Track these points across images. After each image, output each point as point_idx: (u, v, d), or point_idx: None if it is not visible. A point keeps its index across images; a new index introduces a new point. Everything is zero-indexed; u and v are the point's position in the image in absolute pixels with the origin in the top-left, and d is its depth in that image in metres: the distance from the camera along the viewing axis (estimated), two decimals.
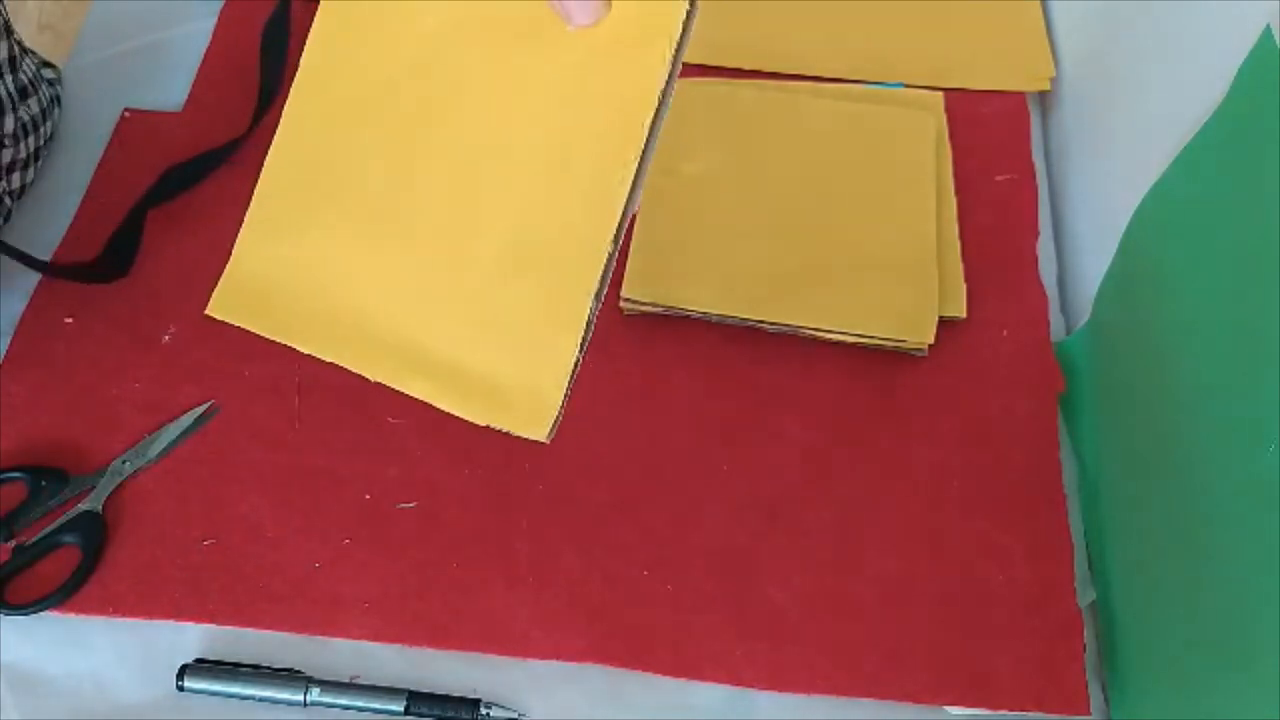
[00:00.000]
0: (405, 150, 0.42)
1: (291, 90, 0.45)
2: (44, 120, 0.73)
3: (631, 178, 0.39)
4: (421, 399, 0.41)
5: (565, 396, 0.41)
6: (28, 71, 0.72)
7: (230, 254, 0.47)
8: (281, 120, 0.45)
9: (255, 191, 0.45)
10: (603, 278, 0.40)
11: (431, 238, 0.41)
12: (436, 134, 0.42)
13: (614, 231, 0.39)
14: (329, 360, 0.42)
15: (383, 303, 0.41)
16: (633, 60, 0.40)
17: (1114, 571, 0.60)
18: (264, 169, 0.45)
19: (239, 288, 0.45)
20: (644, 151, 0.39)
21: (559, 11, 0.38)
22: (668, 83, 0.40)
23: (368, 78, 0.44)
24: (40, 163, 0.74)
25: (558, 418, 0.41)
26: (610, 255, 0.39)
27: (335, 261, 0.43)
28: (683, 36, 0.40)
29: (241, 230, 0.45)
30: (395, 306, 0.41)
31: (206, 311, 0.45)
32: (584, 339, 0.40)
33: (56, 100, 0.76)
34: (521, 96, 0.41)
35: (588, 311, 0.39)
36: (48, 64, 0.78)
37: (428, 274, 0.41)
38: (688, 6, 0.40)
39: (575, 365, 0.40)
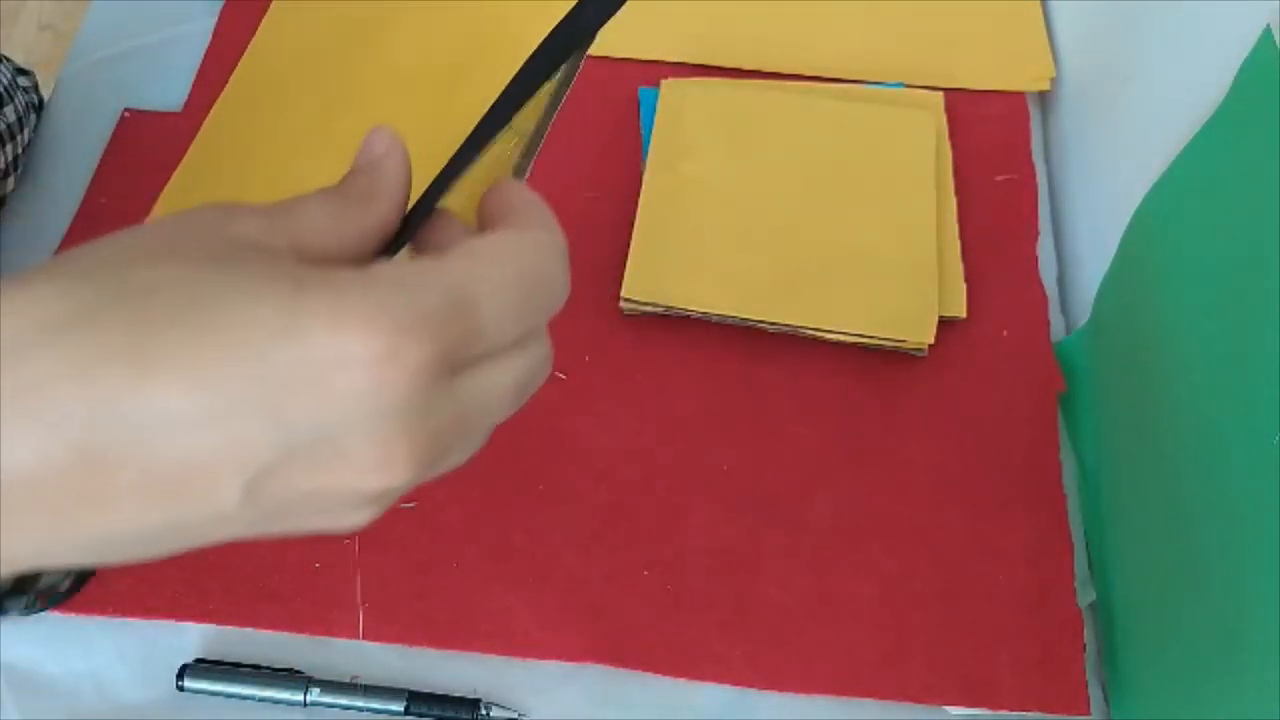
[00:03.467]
0: (330, 98, 0.42)
1: (243, 58, 0.46)
2: (21, 129, 0.73)
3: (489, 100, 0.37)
4: None
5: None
6: (3, 79, 0.72)
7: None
8: (230, 82, 0.46)
9: (191, 145, 0.45)
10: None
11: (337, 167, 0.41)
12: (359, 79, 0.42)
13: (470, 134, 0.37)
14: None
15: None
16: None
17: (1114, 571, 0.60)
18: (204, 125, 0.45)
19: (192, 184, 0.46)
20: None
21: None
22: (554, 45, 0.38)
23: (315, 39, 0.44)
24: (20, 171, 0.73)
25: None
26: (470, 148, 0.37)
27: (300, 167, 0.42)
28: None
29: (202, 128, 0.45)
30: None
31: (154, 210, 0.44)
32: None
33: (34, 107, 0.76)
34: (428, 41, 0.41)
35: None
36: (23, 70, 0.78)
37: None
38: None
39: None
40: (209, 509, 0.23)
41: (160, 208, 0.46)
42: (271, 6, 0.45)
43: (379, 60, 0.43)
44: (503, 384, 0.27)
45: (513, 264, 0.27)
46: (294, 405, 0.23)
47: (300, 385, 0.23)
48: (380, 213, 0.29)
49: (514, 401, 0.28)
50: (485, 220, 0.30)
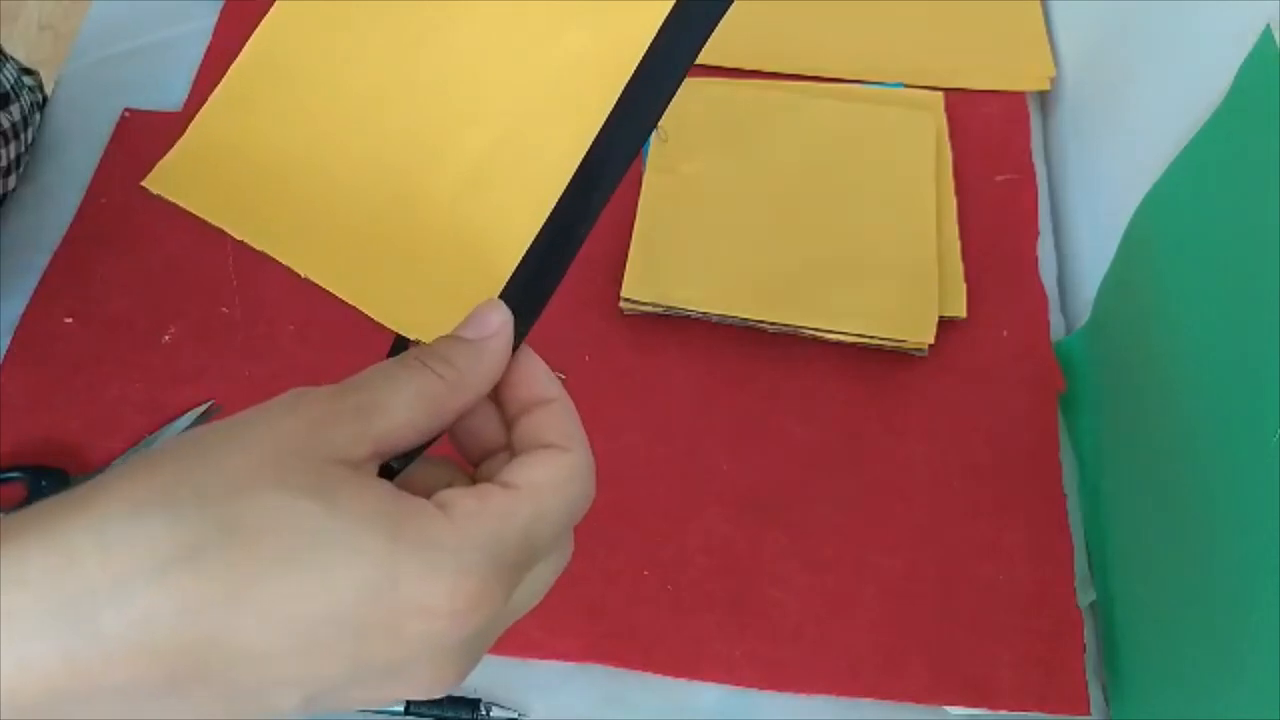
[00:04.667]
0: (387, 58, 0.40)
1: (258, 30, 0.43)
2: (25, 128, 0.73)
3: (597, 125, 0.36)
4: (353, 304, 0.37)
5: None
6: (8, 78, 0.72)
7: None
8: (264, 19, 0.43)
9: (226, 75, 0.43)
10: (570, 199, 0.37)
11: (401, 148, 0.39)
12: (429, 54, 0.40)
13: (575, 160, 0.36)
14: (261, 249, 0.39)
15: (334, 204, 0.39)
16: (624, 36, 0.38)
17: (1114, 571, 0.60)
18: (241, 54, 0.43)
19: (186, 163, 0.42)
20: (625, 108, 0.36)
21: None
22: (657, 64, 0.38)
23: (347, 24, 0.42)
24: (22, 170, 0.73)
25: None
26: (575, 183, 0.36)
27: (295, 153, 0.40)
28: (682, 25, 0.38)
29: (202, 110, 0.43)
30: (352, 212, 0.38)
31: (143, 183, 0.42)
32: (542, 256, 0.36)
33: (38, 106, 0.76)
34: (514, 21, 0.39)
35: (535, 229, 0.36)
36: (28, 70, 0.78)
37: (387, 185, 0.38)
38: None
39: (533, 270, 0.36)
40: (272, 709, 0.27)
41: (206, 113, 0.43)
42: None
43: (405, 60, 0.41)
44: (545, 580, 0.32)
45: (566, 497, 0.31)
46: (372, 648, 0.26)
47: (383, 631, 0.26)
48: (466, 402, 0.32)
49: (550, 587, 0.33)
50: (530, 435, 0.32)
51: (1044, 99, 0.80)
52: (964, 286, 0.69)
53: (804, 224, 0.71)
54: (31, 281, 0.69)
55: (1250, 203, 0.49)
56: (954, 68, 0.79)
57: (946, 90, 0.77)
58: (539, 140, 0.37)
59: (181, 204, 0.41)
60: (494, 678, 0.57)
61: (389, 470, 0.31)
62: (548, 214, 0.36)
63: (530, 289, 0.35)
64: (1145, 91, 0.65)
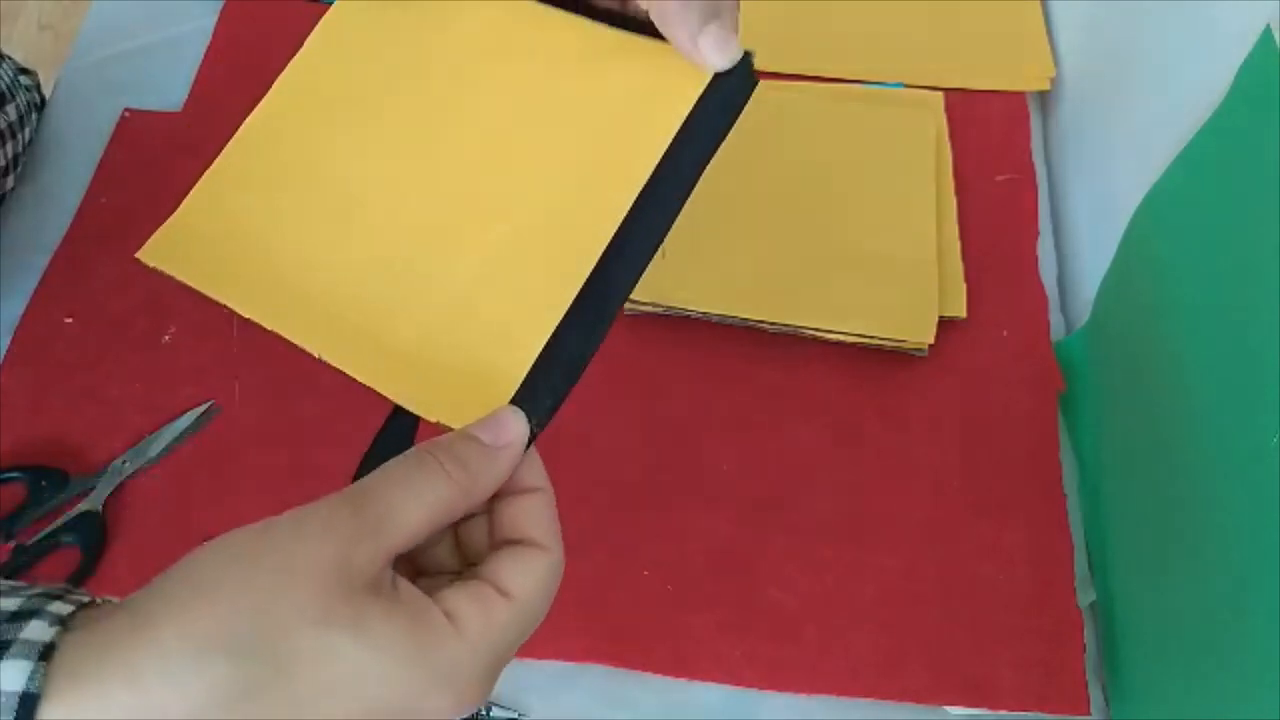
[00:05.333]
0: (397, 143, 0.40)
1: (289, 65, 0.43)
2: (22, 127, 0.73)
3: (620, 213, 0.37)
4: (362, 380, 0.38)
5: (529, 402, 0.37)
6: (4, 77, 0.72)
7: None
8: (270, 91, 0.43)
9: (226, 148, 0.43)
10: (594, 289, 0.37)
11: (411, 232, 0.39)
12: (434, 135, 0.40)
13: (599, 248, 0.37)
14: (266, 326, 0.39)
15: (340, 282, 0.39)
16: (647, 115, 0.39)
17: (1114, 571, 0.60)
18: (241, 129, 0.42)
19: (183, 235, 0.42)
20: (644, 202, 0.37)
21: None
22: (691, 143, 0.39)
23: (374, 68, 0.42)
24: (20, 170, 0.73)
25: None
26: (597, 269, 0.37)
27: (298, 231, 0.40)
28: (710, 108, 0.39)
29: (200, 181, 0.42)
30: (356, 289, 0.39)
31: (138, 255, 0.42)
32: (568, 347, 0.37)
33: (35, 106, 0.76)
34: (529, 117, 0.39)
35: (557, 318, 0.36)
36: (25, 70, 0.78)
37: (398, 265, 0.39)
38: (708, 80, 0.39)
39: (549, 372, 0.37)
40: None
41: (200, 190, 0.42)
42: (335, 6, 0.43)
43: (466, 78, 0.41)
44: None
45: (548, 599, 0.36)
46: None
47: None
48: (472, 506, 0.35)
49: None
50: (517, 523, 0.36)
51: (1044, 99, 0.80)
52: (964, 286, 0.69)
53: (804, 224, 0.70)
54: (31, 281, 0.69)
55: (1250, 202, 0.49)
56: (954, 68, 0.79)
57: (946, 90, 0.77)
58: (560, 235, 0.37)
59: (176, 275, 0.41)
60: None
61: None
62: (562, 309, 0.36)
63: (543, 395, 0.36)
64: (1145, 91, 0.65)
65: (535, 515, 0.36)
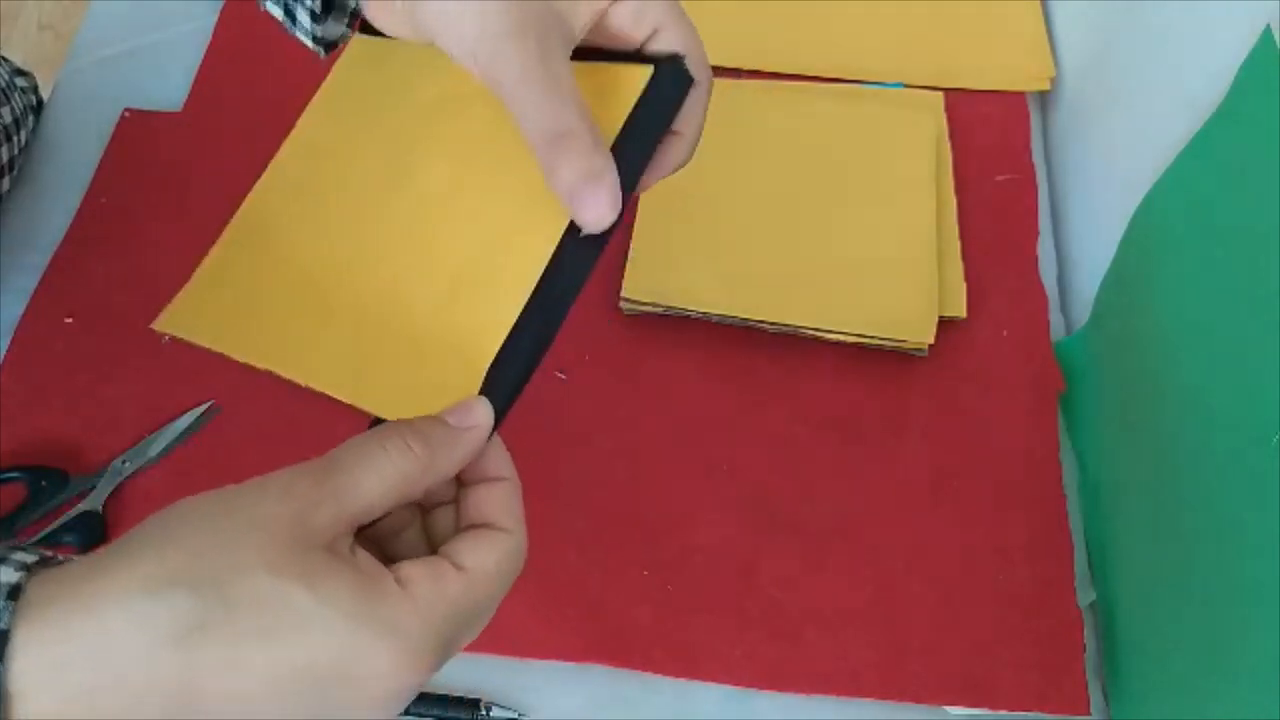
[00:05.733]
0: (372, 204, 0.44)
1: (290, 135, 0.47)
2: (18, 129, 0.73)
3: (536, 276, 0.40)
4: (350, 402, 0.42)
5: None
6: (1, 78, 0.72)
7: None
8: (271, 163, 0.47)
9: (234, 218, 0.47)
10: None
11: (380, 283, 0.43)
12: (401, 195, 0.44)
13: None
14: (277, 372, 0.44)
15: (337, 325, 0.43)
16: None
17: (1114, 571, 0.60)
18: (245, 203, 0.47)
19: (195, 305, 0.47)
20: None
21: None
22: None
23: (359, 132, 0.46)
24: (16, 172, 0.73)
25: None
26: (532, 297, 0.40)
27: (290, 292, 0.45)
28: (644, 114, 0.41)
29: (211, 251, 0.47)
30: (349, 328, 0.43)
31: (153, 325, 0.46)
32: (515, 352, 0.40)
33: (32, 108, 0.76)
34: (487, 150, 0.43)
35: (507, 328, 0.40)
36: (22, 72, 0.78)
37: (382, 302, 0.43)
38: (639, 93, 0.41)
39: (505, 371, 0.40)
40: None
41: (212, 260, 0.47)
42: (338, 63, 0.47)
43: (430, 140, 0.44)
44: (472, 635, 0.37)
45: (504, 579, 0.37)
46: (333, 700, 0.33)
47: (343, 689, 0.33)
48: (433, 482, 0.36)
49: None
50: (481, 508, 0.38)
51: (1044, 99, 0.80)
52: (964, 286, 0.69)
53: (804, 224, 0.70)
54: (31, 281, 0.69)
55: (1250, 203, 0.49)
56: (954, 68, 0.79)
57: (946, 90, 0.77)
58: (505, 257, 0.40)
59: (193, 340, 0.45)
60: (494, 678, 0.57)
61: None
62: (510, 322, 0.39)
63: (502, 387, 0.39)
64: (1145, 91, 0.65)
65: (498, 501, 0.38)
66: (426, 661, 0.34)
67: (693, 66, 0.42)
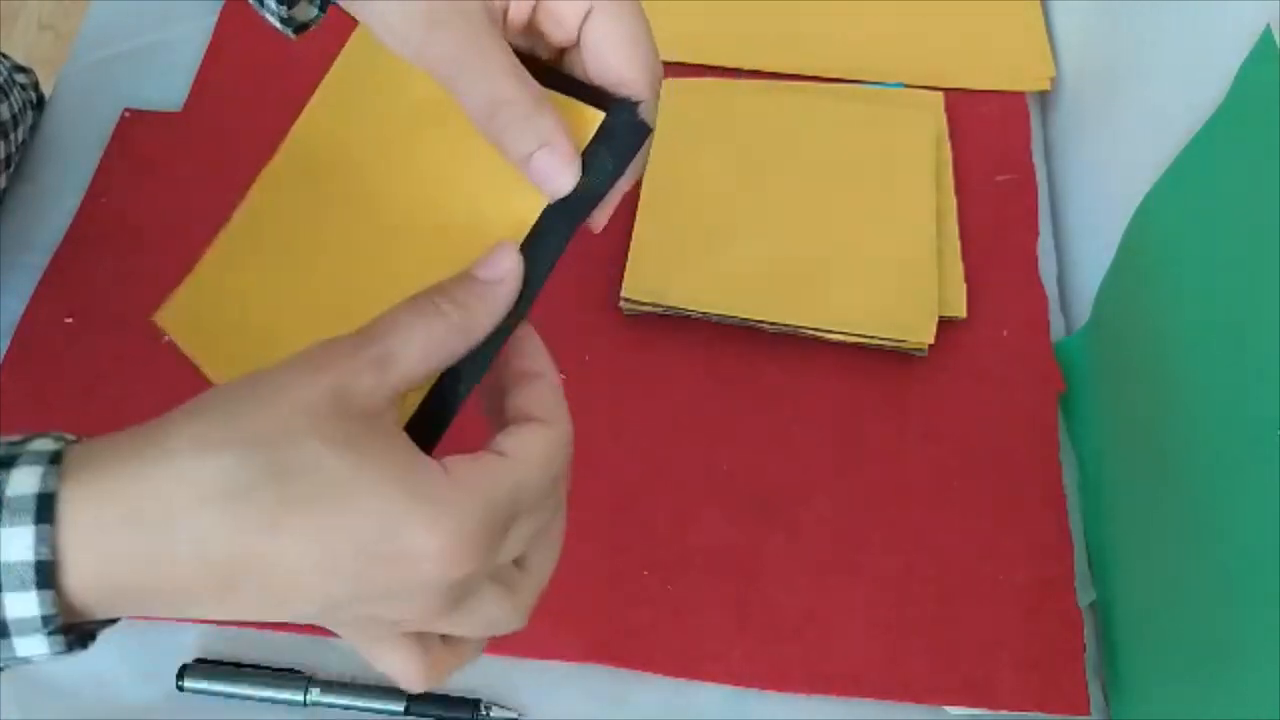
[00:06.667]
0: (370, 200, 0.44)
1: (286, 138, 0.47)
2: (16, 125, 0.73)
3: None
4: None
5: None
6: (0, 73, 0.72)
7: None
8: (267, 166, 0.47)
9: (234, 213, 0.47)
10: None
11: (379, 277, 0.43)
12: (397, 190, 0.43)
13: None
14: None
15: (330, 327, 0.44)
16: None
17: (1114, 571, 0.60)
18: (241, 206, 0.47)
19: (190, 306, 0.47)
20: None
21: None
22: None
23: (350, 134, 0.46)
24: (14, 168, 0.73)
25: None
26: None
27: (275, 301, 0.45)
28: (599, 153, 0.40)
29: (213, 244, 0.47)
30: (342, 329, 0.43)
31: (153, 317, 0.47)
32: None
33: (32, 104, 0.76)
34: (474, 167, 0.42)
35: None
36: (21, 68, 0.77)
37: (372, 301, 0.42)
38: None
39: None
40: (292, 614, 0.33)
41: (207, 263, 0.48)
42: (333, 68, 0.47)
43: (410, 144, 0.44)
44: (531, 531, 0.36)
45: (547, 466, 0.36)
46: (376, 575, 0.32)
47: (386, 564, 0.32)
48: (470, 344, 0.36)
49: (549, 543, 0.39)
50: (521, 406, 0.37)
51: (1044, 99, 0.80)
52: (964, 286, 0.69)
53: (804, 224, 0.71)
54: (31, 281, 0.69)
55: (1250, 203, 0.49)
56: (954, 68, 0.79)
57: (946, 90, 0.77)
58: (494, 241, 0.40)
59: (184, 347, 0.47)
60: (494, 678, 0.57)
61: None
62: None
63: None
64: (1145, 91, 0.65)
65: (537, 395, 0.37)
66: (476, 544, 0.33)
67: (635, 64, 0.39)
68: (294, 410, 0.32)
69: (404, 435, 0.34)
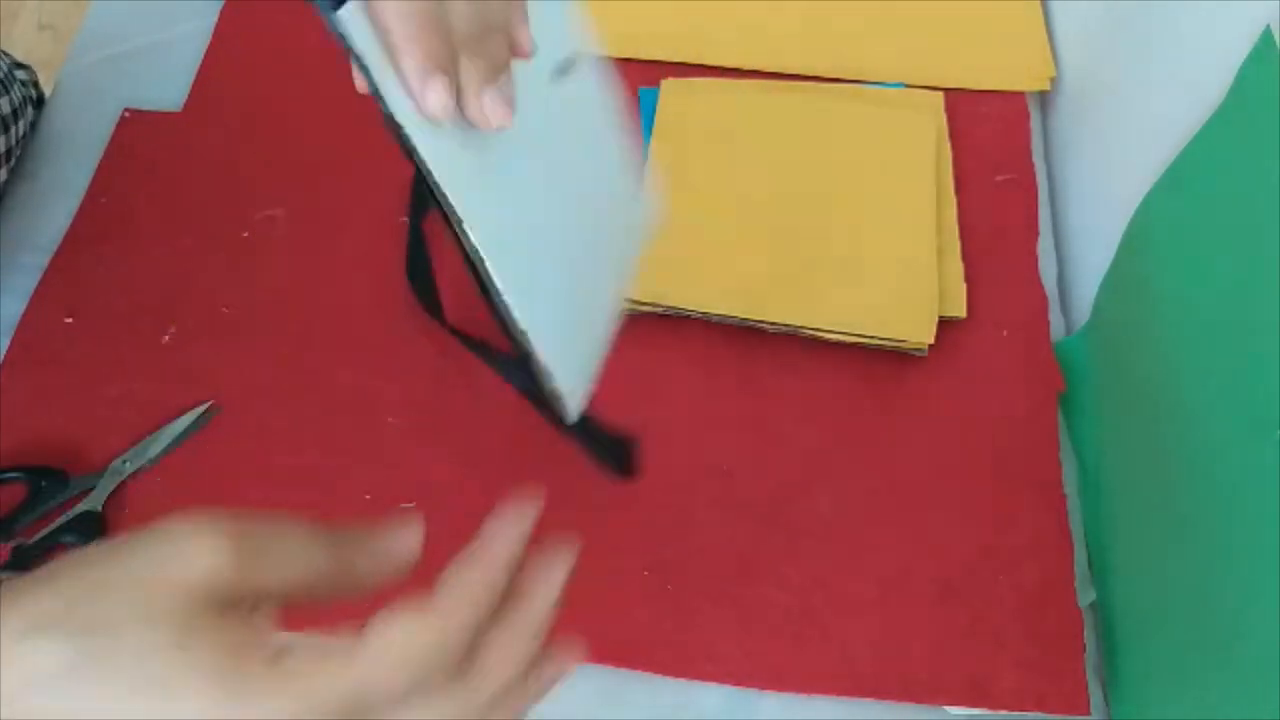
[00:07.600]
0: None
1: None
2: (15, 120, 0.73)
3: None
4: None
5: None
6: (0, 68, 0.72)
7: None
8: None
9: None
10: None
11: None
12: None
13: None
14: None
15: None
16: None
17: (1114, 571, 0.60)
18: None
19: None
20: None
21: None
22: None
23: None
24: (14, 164, 0.73)
25: None
26: None
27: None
28: None
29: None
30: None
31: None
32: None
33: (31, 100, 0.76)
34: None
35: None
36: (21, 65, 0.77)
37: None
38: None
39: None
40: None
41: None
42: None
43: None
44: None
45: (408, 662, 0.36)
46: None
47: None
48: (347, 591, 0.37)
49: None
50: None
51: (1044, 99, 0.80)
52: (964, 286, 0.69)
53: (804, 224, 0.70)
54: (31, 281, 0.69)
55: (1250, 203, 0.49)
56: (954, 68, 0.79)
57: (946, 90, 0.77)
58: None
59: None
60: None
61: None
62: None
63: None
64: (1145, 91, 0.65)
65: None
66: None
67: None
68: (126, 598, 0.33)
69: (240, 628, 0.34)
